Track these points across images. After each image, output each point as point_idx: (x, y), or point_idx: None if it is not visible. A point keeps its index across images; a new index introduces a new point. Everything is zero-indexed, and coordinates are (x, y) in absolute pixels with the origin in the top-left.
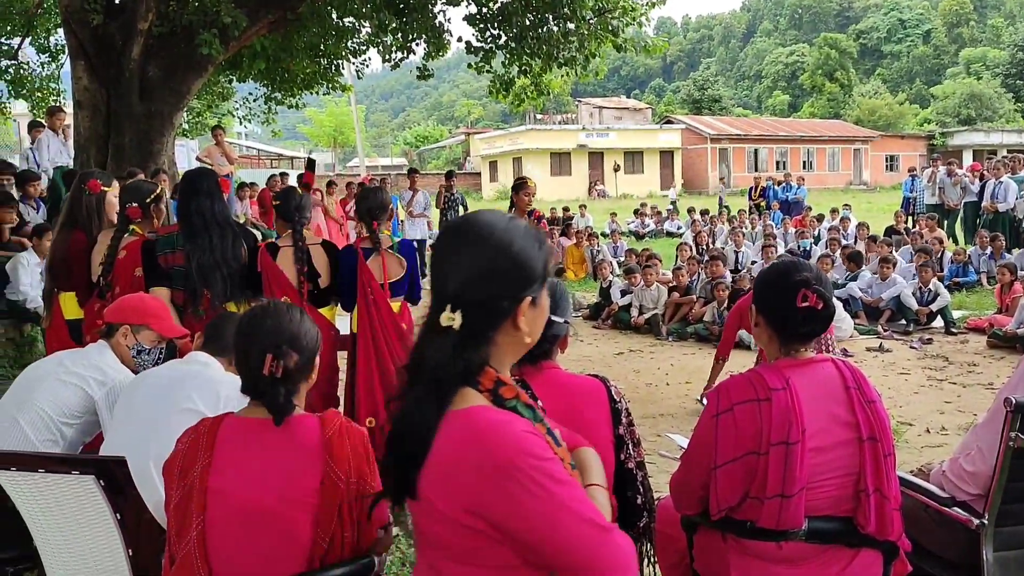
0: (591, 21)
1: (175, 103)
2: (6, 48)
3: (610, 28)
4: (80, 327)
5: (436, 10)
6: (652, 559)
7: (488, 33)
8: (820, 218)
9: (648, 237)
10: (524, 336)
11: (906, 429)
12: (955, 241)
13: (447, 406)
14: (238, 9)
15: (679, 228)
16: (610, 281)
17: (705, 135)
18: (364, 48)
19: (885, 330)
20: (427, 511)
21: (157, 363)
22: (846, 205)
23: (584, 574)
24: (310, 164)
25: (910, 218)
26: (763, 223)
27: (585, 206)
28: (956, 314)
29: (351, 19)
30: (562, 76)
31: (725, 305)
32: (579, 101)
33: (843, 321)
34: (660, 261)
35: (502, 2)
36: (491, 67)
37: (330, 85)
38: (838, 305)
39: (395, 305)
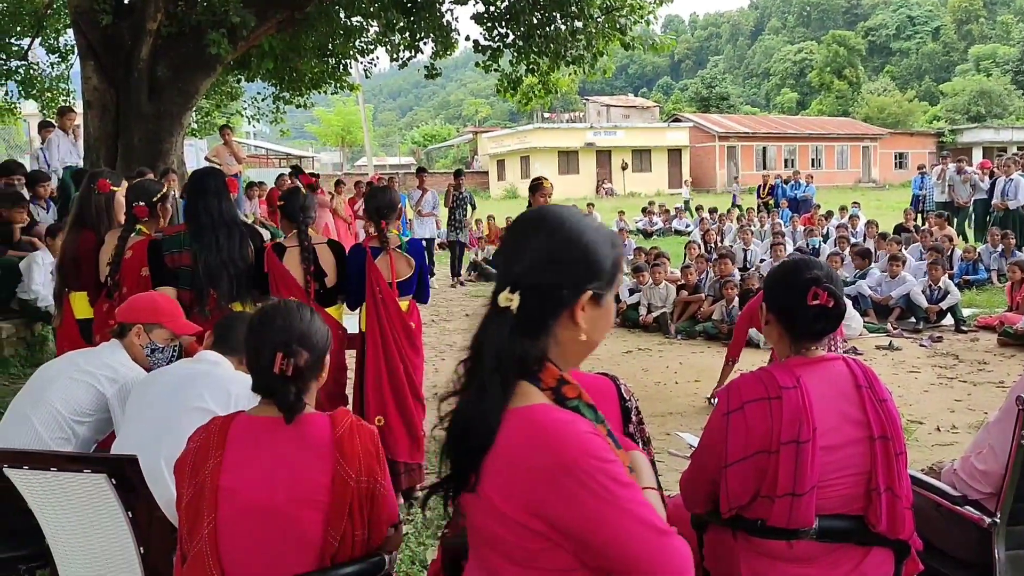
0: (599, 19)
1: (184, 103)
2: (16, 49)
3: (618, 26)
4: (91, 327)
5: (444, 9)
6: None
7: (496, 32)
8: (829, 216)
9: (656, 235)
10: (581, 333)
11: (916, 427)
12: (965, 239)
13: (509, 401)
14: (246, 9)
15: (687, 226)
16: None
17: (713, 133)
18: (372, 47)
19: (895, 328)
20: (487, 509)
21: (171, 361)
22: (855, 203)
23: None
24: (295, 170)
25: (919, 216)
26: (772, 221)
27: (593, 204)
28: (966, 312)
29: (359, 18)
30: (570, 74)
31: (734, 303)
32: (587, 99)
33: (852, 319)
34: (668, 259)
35: (510, 1)
36: (499, 66)
37: (338, 84)
38: (847, 303)
39: (403, 304)
